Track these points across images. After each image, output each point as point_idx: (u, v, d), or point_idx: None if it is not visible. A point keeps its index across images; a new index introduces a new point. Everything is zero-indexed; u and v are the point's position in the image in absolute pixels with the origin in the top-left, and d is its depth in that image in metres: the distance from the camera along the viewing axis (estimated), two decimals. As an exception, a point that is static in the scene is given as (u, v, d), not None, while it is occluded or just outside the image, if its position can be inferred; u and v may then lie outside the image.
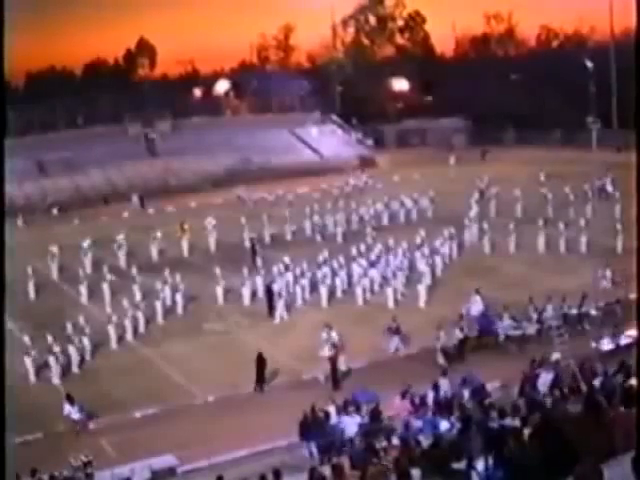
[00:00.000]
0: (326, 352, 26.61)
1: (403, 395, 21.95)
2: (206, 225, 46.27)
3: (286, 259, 36.52)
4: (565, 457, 9.15)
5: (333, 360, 26.37)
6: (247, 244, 43.61)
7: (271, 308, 33.39)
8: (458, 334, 27.77)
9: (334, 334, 27.43)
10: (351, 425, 20.97)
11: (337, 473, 15.05)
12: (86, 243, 43.27)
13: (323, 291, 34.69)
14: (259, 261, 37.92)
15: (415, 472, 12.70)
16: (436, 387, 22.60)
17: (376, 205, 49.90)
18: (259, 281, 35.70)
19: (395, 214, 49.78)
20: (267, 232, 46.63)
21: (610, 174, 48.23)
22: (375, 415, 21.41)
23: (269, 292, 33.95)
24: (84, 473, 19.88)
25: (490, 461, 11.94)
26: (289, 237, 46.89)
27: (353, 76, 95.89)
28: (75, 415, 23.93)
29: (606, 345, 25.87)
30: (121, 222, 54.96)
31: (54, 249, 42.29)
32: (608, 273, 32.12)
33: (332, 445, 20.66)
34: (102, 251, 43.72)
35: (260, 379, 26.35)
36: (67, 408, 23.96)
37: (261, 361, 26.52)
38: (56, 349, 28.06)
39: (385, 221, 48.63)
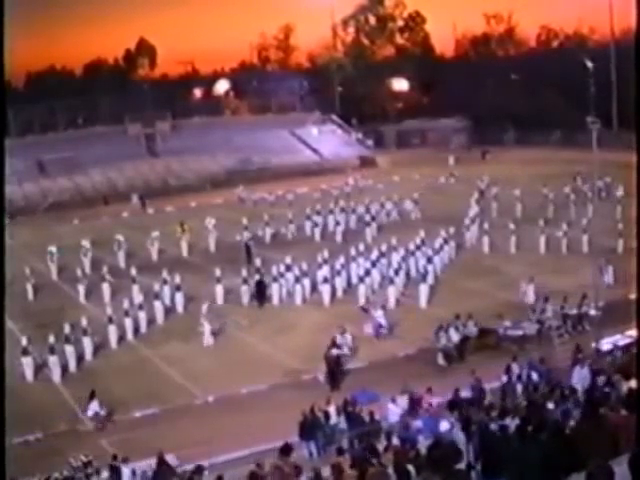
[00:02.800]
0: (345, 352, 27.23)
1: (429, 390, 22.15)
2: (206, 225, 46.26)
3: (287, 259, 36.48)
4: (565, 457, 9.14)
5: (333, 360, 26.35)
6: (244, 244, 43.39)
7: (261, 300, 34.15)
8: (454, 334, 27.74)
9: (348, 336, 27.90)
10: (393, 414, 21.69)
11: (336, 473, 15.06)
12: (86, 243, 43.25)
13: (325, 291, 34.69)
14: (257, 261, 37.81)
15: (415, 472, 12.70)
16: (508, 369, 23.44)
17: (373, 204, 49.96)
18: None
19: (395, 213, 49.97)
20: (268, 232, 46.70)
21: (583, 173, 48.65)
22: (414, 405, 22.14)
23: (260, 285, 34.52)
24: (84, 473, 19.86)
25: (489, 461, 11.94)
26: (290, 237, 46.92)
27: (353, 76, 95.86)
28: (101, 411, 24.23)
29: (606, 345, 25.85)
30: (121, 222, 54.98)
31: (53, 249, 42.27)
32: (610, 268, 32.21)
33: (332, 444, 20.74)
34: (102, 251, 43.73)
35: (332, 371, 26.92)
36: (92, 405, 24.20)
37: (332, 344, 27.11)
38: (56, 349, 28.05)
39: (384, 220, 48.66)
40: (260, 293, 34.65)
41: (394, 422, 21.24)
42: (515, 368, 23.80)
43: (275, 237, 46.83)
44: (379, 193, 55.00)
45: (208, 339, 30.57)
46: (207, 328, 30.59)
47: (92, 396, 24.40)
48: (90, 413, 24.22)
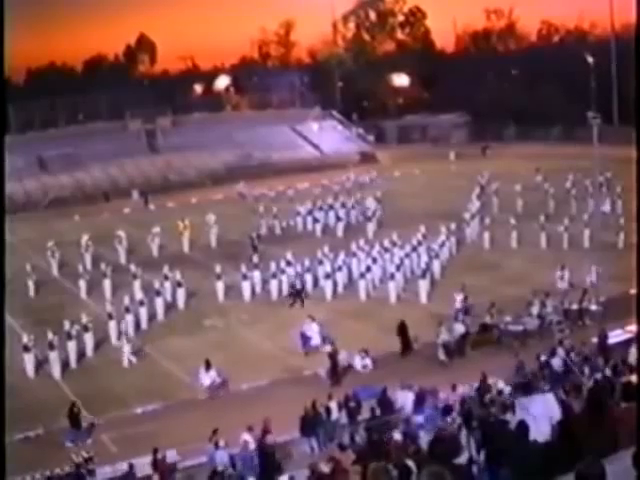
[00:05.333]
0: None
1: (453, 388, 22.27)
2: (207, 221, 46.25)
3: (288, 254, 36.48)
4: (567, 453, 9.13)
5: (333, 356, 26.36)
6: (248, 240, 43.20)
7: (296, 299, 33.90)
8: (459, 329, 27.77)
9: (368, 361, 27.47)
10: (408, 400, 22.10)
11: (338, 469, 15.09)
12: (87, 239, 43.23)
13: (327, 286, 34.70)
14: (255, 257, 37.73)
15: (416, 467, 12.69)
16: (553, 352, 23.95)
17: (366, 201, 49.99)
18: (258, 277, 35.79)
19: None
20: (277, 226, 47.32)
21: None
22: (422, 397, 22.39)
23: (293, 289, 34.16)
24: (85, 469, 19.89)
25: (491, 456, 11.93)
26: (297, 230, 47.19)
27: (354, 72, 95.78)
28: (217, 379, 25.30)
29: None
30: (122, 218, 54.99)
31: (54, 245, 42.28)
32: (567, 274, 32.45)
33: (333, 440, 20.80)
34: (103, 247, 43.73)
35: (406, 346, 27.49)
36: (206, 376, 25.26)
37: (403, 328, 27.64)
38: (57, 345, 28.07)
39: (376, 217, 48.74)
40: (297, 294, 34.12)
41: (409, 410, 21.56)
42: (560, 352, 24.04)
43: (274, 232, 46.90)
44: (380, 188, 54.97)
45: (130, 358, 28.60)
46: (126, 348, 28.75)
47: (208, 366, 25.32)
48: (207, 382, 25.18)
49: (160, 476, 19.82)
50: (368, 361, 26.80)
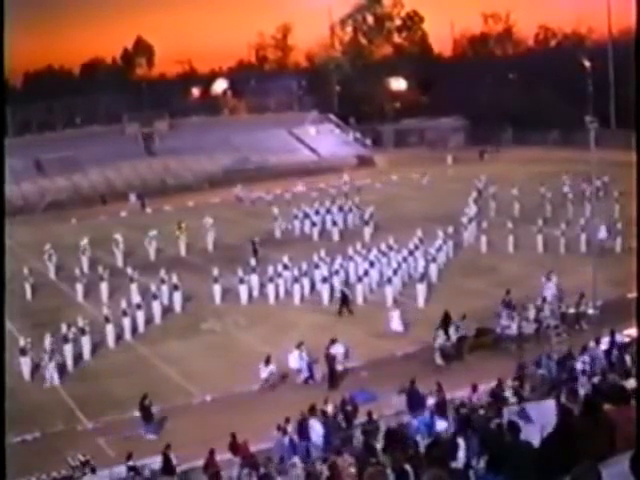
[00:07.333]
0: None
1: (474, 388, 22.28)
2: (204, 224, 46.22)
3: (284, 258, 36.45)
4: (563, 456, 9.14)
5: (331, 360, 26.35)
6: (250, 244, 42.91)
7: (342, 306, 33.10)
8: (454, 333, 27.77)
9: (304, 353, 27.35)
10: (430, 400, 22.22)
11: (335, 472, 15.09)
12: (84, 242, 43.18)
13: (323, 290, 34.66)
14: (252, 261, 37.67)
15: (412, 471, 12.69)
16: (585, 349, 24.02)
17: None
18: (255, 280, 35.76)
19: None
20: (278, 230, 47.27)
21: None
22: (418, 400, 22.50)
23: (344, 296, 33.46)
24: (82, 473, 19.85)
25: (487, 460, 11.94)
26: (292, 235, 47.09)
27: (351, 75, 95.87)
28: (275, 373, 26.08)
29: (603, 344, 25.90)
30: (119, 221, 54.94)
31: (52, 249, 42.23)
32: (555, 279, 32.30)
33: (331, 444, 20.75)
34: (100, 250, 43.69)
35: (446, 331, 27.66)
36: (265, 370, 25.95)
37: (446, 318, 27.79)
38: (54, 348, 28.01)
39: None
40: (344, 301, 33.24)
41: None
42: (593, 348, 24.05)
43: (272, 236, 46.89)
44: (377, 192, 55.03)
45: (54, 376, 27.53)
46: (51, 366, 27.47)
47: (268, 361, 25.99)
48: (264, 375, 25.82)
49: (242, 460, 19.83)
50: (341, 348, 27.16)
